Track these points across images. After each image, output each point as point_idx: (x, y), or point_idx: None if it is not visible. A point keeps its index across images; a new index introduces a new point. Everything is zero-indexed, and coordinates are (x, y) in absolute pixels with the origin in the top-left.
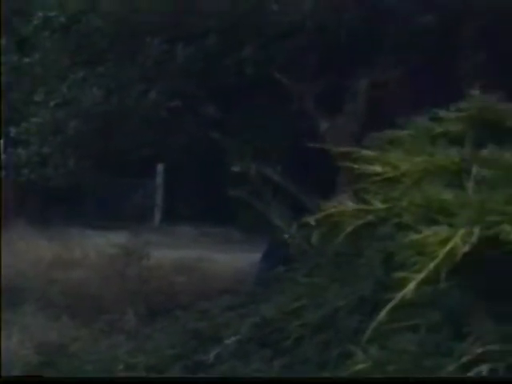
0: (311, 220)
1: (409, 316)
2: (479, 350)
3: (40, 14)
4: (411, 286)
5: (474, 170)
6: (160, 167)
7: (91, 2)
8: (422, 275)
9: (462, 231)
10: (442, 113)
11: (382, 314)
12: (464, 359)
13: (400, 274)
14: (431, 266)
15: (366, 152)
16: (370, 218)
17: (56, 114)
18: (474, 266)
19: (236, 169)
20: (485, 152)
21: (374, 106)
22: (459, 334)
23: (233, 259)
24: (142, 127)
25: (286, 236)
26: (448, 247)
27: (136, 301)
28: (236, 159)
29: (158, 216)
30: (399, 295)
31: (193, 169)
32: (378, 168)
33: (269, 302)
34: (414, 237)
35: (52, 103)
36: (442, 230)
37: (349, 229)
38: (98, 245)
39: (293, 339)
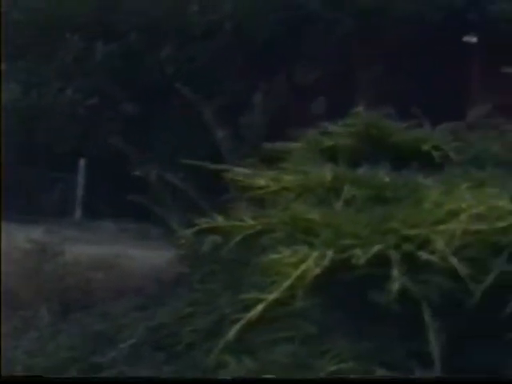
0: (188, 234)
1: (287, 327)
2: (333, 368)
3: None
4: (259, 307)
5: (345, 189)
6: (82, 162)
7: None
8: (272, 296)
9: (315, 253)
10: (330, 127)
11: (231, 332)
12: (321, 375)
13: (251, 295)
14: (283, 287)
15: (238, 169)
16: (259, 227)
17: None
18: (330, 287)
19: (137, 173)
20: (360, 171)
21: (272, 116)
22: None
23: (150, 256)
24: (61, 123)
25: (182, 241)
26: (300, 269)
27: (51, 298)
28: (138, 163)
29: (78, 211)
30: (247, 316)
31: (113, 165)
32: (261, 181)
33: (166, 305)
34: (273, 256)
35: None
36: (300, 251)
37: (237, 238)
38: (16, 239)
39: (184, 344)
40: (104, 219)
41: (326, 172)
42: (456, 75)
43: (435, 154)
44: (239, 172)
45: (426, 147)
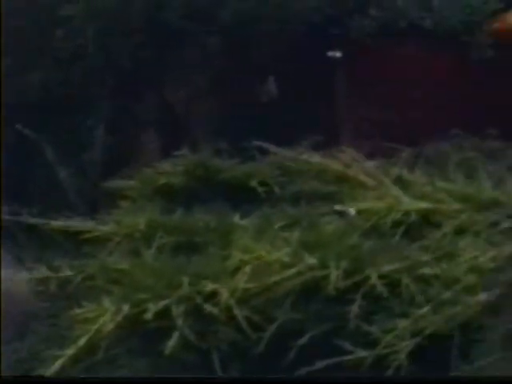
0: (25, 280)
1: (125, 365)
2: None
3: None
4: (59, 362)
5: (158, 236)
6: None
7: None
8: (71, 351)
9: (112, 308)
10: (161, 165)
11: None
12: None
13: (50, 352)
14: (80, 343)
15: (54, 222)
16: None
17: None
18: (136, 338)
19: None
20: (175, 215)
21: (117, 152)
22: None
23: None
24: None
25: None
26: (97, 325)
27: None
28: None
29: None
30: (50, 370)
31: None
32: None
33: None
34: (77, 311)
35: None
36: (100, 306)
37: (76, 281)
38: None
39: None
40: None
41: (139, 218)
42: (318, 96)
43: (260, 189)
44: (54, 224)
45: (253, 183)
